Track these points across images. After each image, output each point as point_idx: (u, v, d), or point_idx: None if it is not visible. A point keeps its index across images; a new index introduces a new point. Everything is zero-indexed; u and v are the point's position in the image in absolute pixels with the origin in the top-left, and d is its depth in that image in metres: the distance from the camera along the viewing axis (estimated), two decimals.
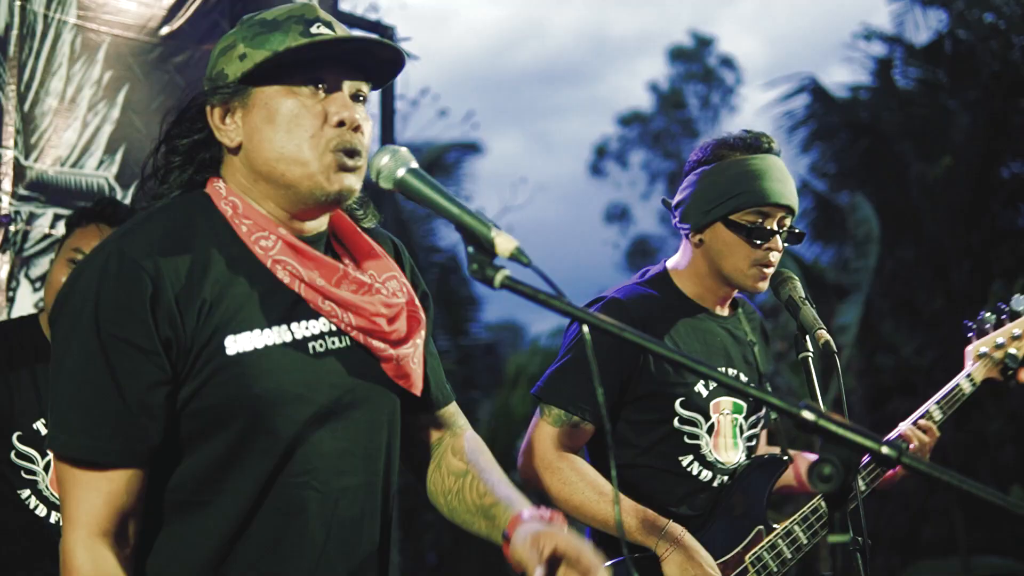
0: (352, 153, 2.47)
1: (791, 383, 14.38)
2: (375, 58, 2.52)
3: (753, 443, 3.93)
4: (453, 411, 2.89)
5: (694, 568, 3.55)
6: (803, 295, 3.66)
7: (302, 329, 2.46)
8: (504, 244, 2.12)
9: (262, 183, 2.49)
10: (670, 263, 3.94)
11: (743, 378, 3.87)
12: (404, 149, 2.33)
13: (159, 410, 2.34)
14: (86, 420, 2.30)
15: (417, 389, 2.64)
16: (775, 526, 3.82)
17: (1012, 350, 4.07)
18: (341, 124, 2.45)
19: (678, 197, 3.84)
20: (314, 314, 2.48)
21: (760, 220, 3.70)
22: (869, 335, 15.08)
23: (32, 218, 5.26)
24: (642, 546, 3.60)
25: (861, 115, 17.36)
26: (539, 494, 3.67)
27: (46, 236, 5.28)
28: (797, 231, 3.79)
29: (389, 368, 2.56)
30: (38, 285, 5.23)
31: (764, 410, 3.96)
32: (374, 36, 2.46)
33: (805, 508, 3.84)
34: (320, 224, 2.59)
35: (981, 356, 4.09)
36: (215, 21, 5.91)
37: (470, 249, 2.17)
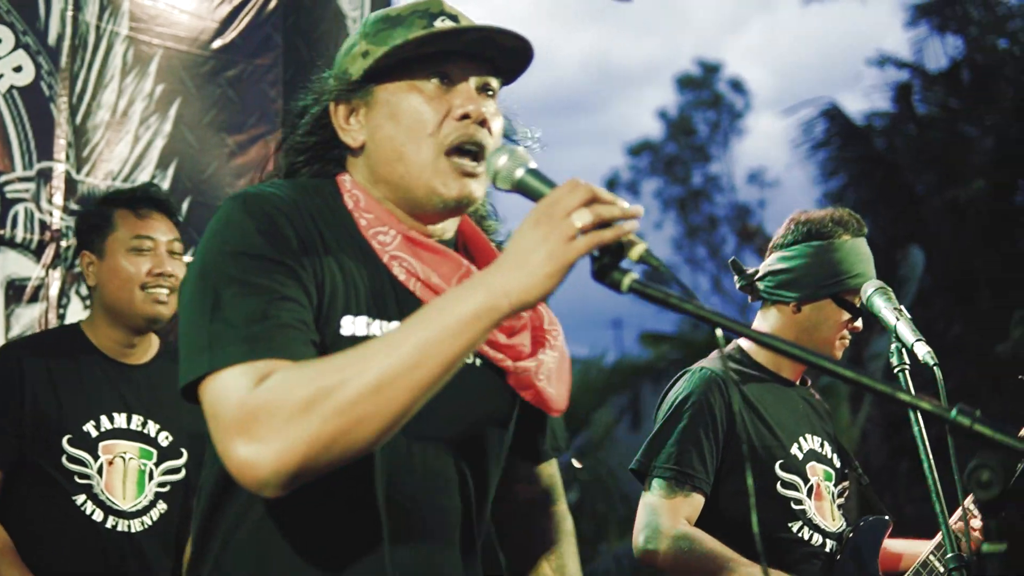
0: (474, 152, 2.33)
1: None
2: (501, 49, 2.39)
3: (843, 507, 3.93)
4: (553, 471, 2.77)
5: None
6: (898, 306, 3.60)
7: None
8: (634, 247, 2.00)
9: (382, 184, 2.38)
10: (742, 342, 3.99)
11: (827, 446, 3.92)
12: (522, 148, 2.20)
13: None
14: (265, 327, 2.08)
15: (549, 406, 2.45)
16: None
17: None
18: (465, 117, 2.32)
19: (778, 265, 3.91)
20: None
21: (858, 302, 3.79)
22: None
23: None
24: None
25: (878, 142, 17.37)
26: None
27: None
28: None
29: (512, 380, 2.39)
30: (89, 302, 5.11)
31: (847, 479, 3.98)
32: (496, 25, 2.33)
33: (915, 564, 3.85)
34: (445, 230, 2.46)
35: None
36: (267, 35, 5.84)
37: (595, 252, 2.03)
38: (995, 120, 16.26)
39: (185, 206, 5.45)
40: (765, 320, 3.94)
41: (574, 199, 1.96)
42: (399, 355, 1.95)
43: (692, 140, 36.11)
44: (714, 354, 3.97)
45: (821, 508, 3.77)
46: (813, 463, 3.82)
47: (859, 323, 3.86)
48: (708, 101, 36.25)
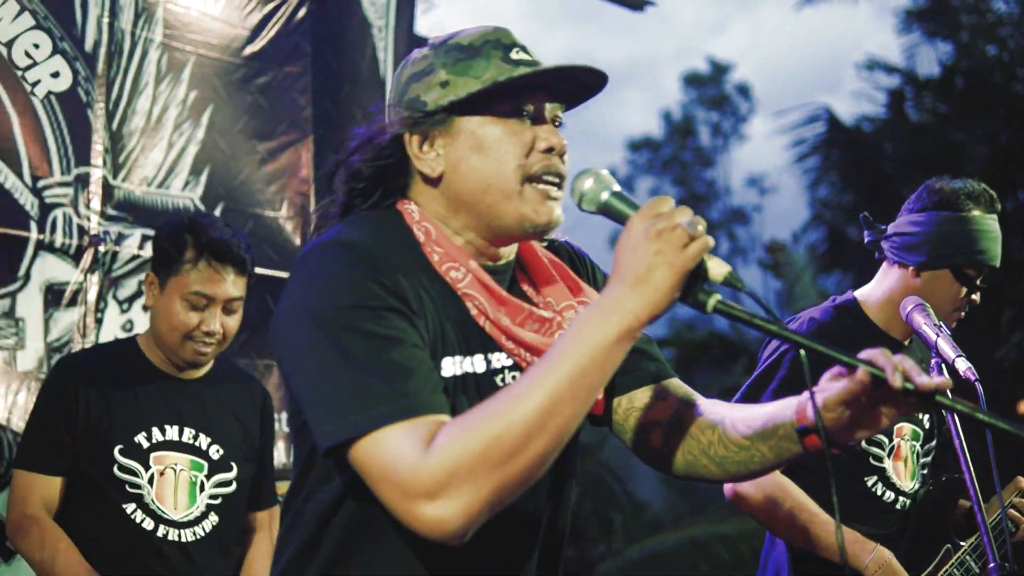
0: (558, 180, 2.41)
1: None
2: (577, 83, 2.47)
3: (927, 471, 4.03)
4: (678, 383, 2.69)
5: None
6: (938, 322, 3.66)
7: (495, 360, 2.40)
8: (717, 268, 2.07)
9: (464, 214, 2.43)
10: (859, 294, 4.08)
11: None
12: (606, 171, 2.29)
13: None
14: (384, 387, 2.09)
15: (598, 407, 2.55)
16: (961, 544, 3.90)
17: None
18: (549, 150, 2.39)
19: (905, 228, 3.96)
20: (498, 347, 2.41)
21: (979, 278, 3.91)
22: None
23: (120, 238, 5.19)
24: (851, 567, 3.66)
25: (869, 147, 17.42)
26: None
27: (134, 257, 5.22)
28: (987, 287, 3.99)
29: None
30: (126, 307, 5.16)
31: (936, 439, 4.08)
32: (581, 64, 2.38)
33: (951, 564, 3.89)
34: (510, 252, 2.53)
35: None
36: (297, 43, 5.87)
37: None
38: (986, 126, 16.34)
39: (218, 212, 5.49)
40: (885, 278, 4.01)
41: (674, 208, 2.05)
42: (554, 391, 2.00)
43: (692, 142, 35.98)
44: (826, 304, 4.07)
45: (897, 468, 3.89)
46: (902, 424, 3.93)
47: (976, 296, 3.91)
48: (714, 99, 36.06)
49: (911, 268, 3.91)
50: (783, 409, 2.38)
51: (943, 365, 3.55)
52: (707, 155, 35.67)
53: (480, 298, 2.38)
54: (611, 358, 2.03)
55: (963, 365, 3.47)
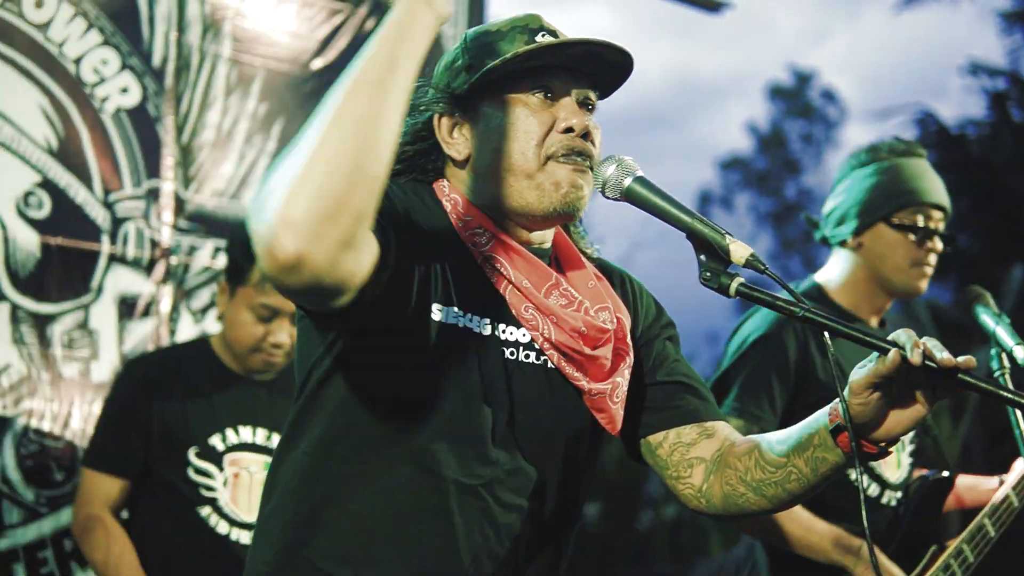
0: (581, 157, 2.37)
1: None
2: (603, 63, 2.43)
3: (913, 460, 3.86)
4: (725, 425, 2.54)
5: None
6: (998, 311, 3.56)
7: (501, 331, 2.36)
8: (739, 251, 2.12)
9: (488, 196, 2.41)
10: (819, 278, 3.92)
11: None
12: (629, 157, 2.28)
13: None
14: None
15: (614, 427, 2.43)
16: (946, 545, 3.73)
17: None
18: (569, 130, 2.36)
19: (831, 204, 3.86)
20: (516, 322, 2.37)
21: (920, 220, 3.71)
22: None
23: (192, 250, 5.26)
24: (838, 565, 3.53)
25: (973, 150, 17.15)
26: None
27: (206, 268, 5.28)
28: (950, 234, 3.79)
29: (587, 400, 2.40)
30: (199, 317, 5.21)
31: (923, 428, 3.90)
32: (599, 38, 2.36)
33: (971, 526, 3.72)
34: (543, 238, 2.49)
35: None
36: None
37: (702, 257, 2.18)
38: None
39: None
40: (836, 262, 3.87)
41: None
42: (347, 83, 2.00)
43: (784, 153, 35.61)
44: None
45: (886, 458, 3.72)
46: None
47: (935, 243, 3.74)
48: (800, 110, 35.63)
49: (851, 241, 3.78)
50: (818, 415, 2.26)
51: (1003, 353, 3.45)
52: (797, 164, 35.17)
53: (502, 260, 2.36)
54: (402, 27, 2.04)
55: (1022, 353, 3.36)
